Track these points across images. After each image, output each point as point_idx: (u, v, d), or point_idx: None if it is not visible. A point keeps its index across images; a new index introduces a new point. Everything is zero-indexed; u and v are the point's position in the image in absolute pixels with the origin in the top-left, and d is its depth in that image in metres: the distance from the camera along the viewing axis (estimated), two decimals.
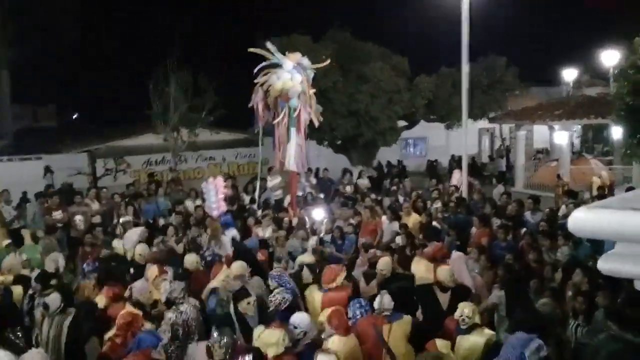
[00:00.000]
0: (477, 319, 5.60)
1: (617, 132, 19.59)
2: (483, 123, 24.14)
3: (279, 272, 7.09)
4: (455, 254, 7.79)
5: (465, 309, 5.59)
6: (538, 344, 4.41)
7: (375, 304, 5.93)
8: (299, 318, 5.61)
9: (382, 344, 5.66)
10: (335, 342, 5.43)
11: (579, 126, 23.68)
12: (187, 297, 6.13)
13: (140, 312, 6.03)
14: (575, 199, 11.39)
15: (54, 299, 6.14)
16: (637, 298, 5.60)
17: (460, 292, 6.49)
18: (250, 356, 5.05)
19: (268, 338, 5.12)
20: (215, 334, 5.03)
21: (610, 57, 22.81)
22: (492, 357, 5.15)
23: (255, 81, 11.61)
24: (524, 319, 5.30)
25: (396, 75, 18.67)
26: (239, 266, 6.96)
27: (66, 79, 30.87)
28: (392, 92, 18.36)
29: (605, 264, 2.46)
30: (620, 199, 2.59)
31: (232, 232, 10.17)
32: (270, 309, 6.23)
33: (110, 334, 5.98)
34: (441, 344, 5.38)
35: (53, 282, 6.96)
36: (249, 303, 6.00)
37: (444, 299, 6.53)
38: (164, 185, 15.08)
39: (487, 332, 5.58)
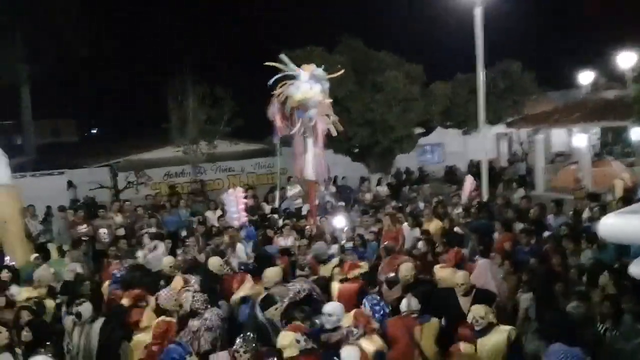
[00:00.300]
0: (491, 318, 5.56)
1: (637, 134, 19.45)
2: (500, 128, 24.03)
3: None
4: (482, 261, 7.78)
5: (476, 311, 5.59)
6: (580, 357, 4.41)
7: (403, 306, 6.09)
8: (332, 307, 5.74)
9: (414, 345, 5.79)
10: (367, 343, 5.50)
11: (598, 128, 23.49)
12: (208, 306, 6.27)
13: (173, 320, 6.11)
14: (598, 201, 11.31)
15: (86, 309, 6.34)
16: None
17: (482, 296, 6.45)
18: (275, 358, 5.12)
19: (282, 340, 5.22)
20: (239, 340, 5.09)
21: (626, 60, 22.62)
22: (516, 351, 5.17)
23: (273, 93, 11.74)
24: (557, 321, 5.31)
25: (410, 82, 18.66)
26: (274, 273, 7.07)
27: (85, 93, 31.35)
28: (407, 100, 18.36)
29: (637, 269, 2.49)
30: None
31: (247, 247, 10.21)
32: (289, 296, 6.46)
33: (139, 337, 6.14)
34: (465, 347, 5.42)
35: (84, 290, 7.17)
36: (276, 309, 6.08)
37: (465, 303, 6.53)
38: (184, 197, 15.27)
39: (504, 327, 5.57)
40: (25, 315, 6.56)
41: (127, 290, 7.18)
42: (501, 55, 21.08)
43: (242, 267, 8.47)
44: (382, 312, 6.05)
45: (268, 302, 6.28)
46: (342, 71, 12.22)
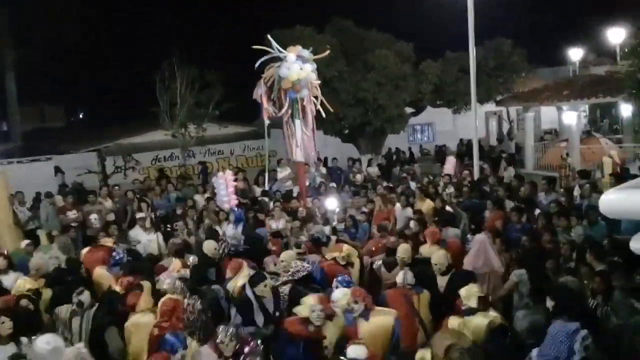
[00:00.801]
0: (473, 303, 5.59)
1: (626, 110, 19.49)
2: (490, 106, 24.01)
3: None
4: (478, 236, 7.83)
5: (461, 292, 5.70)
6: (584, 334, 4.42)
7: (399, 280, 6.35)
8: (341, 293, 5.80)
9: (415, 314, 6.07)
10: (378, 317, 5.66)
11: (586, 106, 23.52)
12: (188, 294, 6.23)
13: (180, 298, 6.08)
14: (588, 178, 11.35)
15: (86, 297, 6.36)
16: None
17: (459, 277, 6.59)
18: (257, 341, 5.17)
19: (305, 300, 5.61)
20: (221, 329, 5.03)
21: (616, 35, 22.60)
22: (498, 340, 5.19)
23: (263, 76, 11.65)
24: (557, 295, 5.39)
25: (401, 61, 18.56)
26: (288, 255, 7.34)
27: (71, 78, 30.97)
28: (398, 79, 18.26)
29: (638, 244, 2.45)
30: None
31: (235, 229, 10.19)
32: (288, 272, 6.72)
33: (137, 319, 6.15)
34: (453, 321, 5.57)
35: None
36: (265, 286, 6.11)
37: (442, 281, 6.78)
38: (173, 180, 15.17)
39: (492, 314, 5.61)
40: (25, 304, 6.49)
41: (129, 275, 7.15)
42: (491, 33, 21.00)
43: (233, 250, 8.40)
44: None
45: (258, 278, 6.26)
46: (328, 52, 12.13)
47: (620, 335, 5.24)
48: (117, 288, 6.96)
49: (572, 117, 18.97)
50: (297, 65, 11.04)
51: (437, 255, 6.97)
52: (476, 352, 4.77)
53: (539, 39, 29.47)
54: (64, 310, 6.39)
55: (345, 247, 7.85)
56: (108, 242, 9.23)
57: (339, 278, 6.40)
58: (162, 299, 6.14)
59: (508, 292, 6.97)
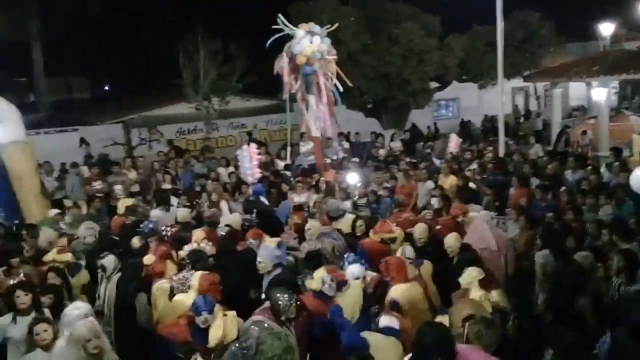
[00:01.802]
0: (465, 284, 5.70)
1: None
2: (517, 82, 23.55)
3: (327, 230, 7.68)
4: (479, 215, 7.78)
5: (461, 280, 5.78)
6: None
7: (398, 253, 6.53)
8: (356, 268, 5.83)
9: (420, 282, 6.09)
10: (399, 290, 5.75)
11: (617, 82, 22.93)
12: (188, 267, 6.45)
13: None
14: (620, 156, 11.12)
15: (109, 261, 6.47)
16: None
17: (465, 258, 6.51)
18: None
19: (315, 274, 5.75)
20: (276, 293, 5.08)
21: None
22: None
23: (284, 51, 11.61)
24: (565, 273, 5.31)
25: (427, 35, 18.25)
26: (313, 225, 7.59)
27: (97, 49, 31.05)
28: (423, 53, 17.97)
29: None
30: None
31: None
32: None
33: (162, 284, 6.27)
34: (475, 293, 5.55)
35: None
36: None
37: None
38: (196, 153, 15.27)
39: (493, 294, 5.63)
40: (52, 278, 6.49)
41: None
42: (520, 5, 20.47)
43: (247, 224, 8.52)
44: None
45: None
46: (335, 26, 11.96)
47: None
48: (150, 255, 7.05)
49: (602, 93, 18.53)
50: (306, 40, 10.98)
51: (417, 230, 7.21)
52: (494, 325, 4.71)
53: (568, 12, 28.56)
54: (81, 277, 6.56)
55: (392, 227, 7.65)
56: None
57: (348, 255, 6.34)
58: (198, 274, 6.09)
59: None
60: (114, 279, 6.41)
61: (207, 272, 6.14)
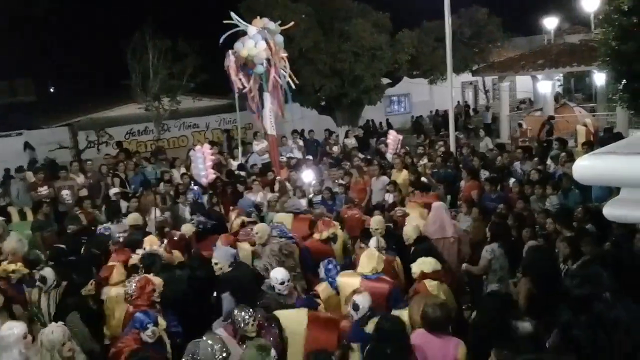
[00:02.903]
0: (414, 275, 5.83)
1: (600, 79, 19.67)
2: (466, 76, 24.04)
3: (278, 224, 7.63)
4: (436, 203, 7.94)
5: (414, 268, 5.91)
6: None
7: (372, 244, 6.64)
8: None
9: (391, 275, 6.17)
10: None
11: (561, 75, 23.69)
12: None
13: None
14: (565, 147, 11.46)
15: (48, 272, 6.18)
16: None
17: (420, 249, 6.64)
18: (276, 327, 5.11)
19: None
20: (236, 312, 4.90)
21: (590, 3, 22.64)
22: None
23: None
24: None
25: (378, 31, 18.40)
26: (262, 228, 7.28)
27: (41, 50, 30.06)
28: (374, 49, 18.11)
29: (612, 210, 2.43)
30: (625, 144, 2.56)
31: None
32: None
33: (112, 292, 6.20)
34: (431, 284, 5.63)
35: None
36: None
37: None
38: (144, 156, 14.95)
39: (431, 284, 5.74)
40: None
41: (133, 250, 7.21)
42: (467, 2, 20.90)
43: (201, 227, 8.41)
44: (335, 271, 6.22)
45: None
46: (292, 24, 11.97)
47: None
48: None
49: (547, 86, 19.12)
50: (251, 42, 10.91)
51: (374, 221, 7.25)
52: (447, 308, 4.86)
53: (514, 7, 29.32)
54: (34, 292, 6.22)
55: (333, 224, 7.72)
56: None
57: (327, 261, 6.37)
58: (136, 277, 5.96)
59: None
60: (52, 293, 6.13)
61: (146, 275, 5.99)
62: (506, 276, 6.59)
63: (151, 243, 7.39)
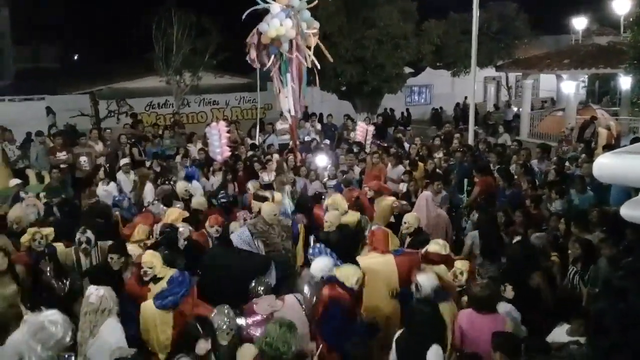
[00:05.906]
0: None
1: (625, 83, 19.35)
2: (489, 71, 23.76)
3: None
4: (423, 193, 8.13)
5: None
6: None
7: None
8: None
9: None
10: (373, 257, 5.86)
11: (586, 76, 23.33)
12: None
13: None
14: (589, 149, 11.31)
15: (91, 233, 6.24)
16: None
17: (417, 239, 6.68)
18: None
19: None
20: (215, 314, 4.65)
21: (621, 6, 22.21)
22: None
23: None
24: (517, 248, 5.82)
25: (404, 20, 18.23)
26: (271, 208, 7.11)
27: (67, 18, 30.20)
28: (399, 38, 17.96)
29: (629, 211, 2.42)
30: None
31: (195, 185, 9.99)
32: None
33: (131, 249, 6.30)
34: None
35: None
36: None
37: None
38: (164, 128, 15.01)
39: None
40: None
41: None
42: None
43: (224, 201, 8.51)
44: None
45: None
46: (316, 2, 11.78)
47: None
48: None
49: (571, 86, 18.85)
50: (277, 21, 10.73)
51: (408, 215, 7.08)
52: (494, 287, 4.91)
53: (543, 5, 28.84)
54: (70, 255, 6.22)
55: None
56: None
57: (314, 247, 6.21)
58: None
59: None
60: (97, 248, 6.24)
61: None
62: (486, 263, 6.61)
63: (176, 218, 7.20)
